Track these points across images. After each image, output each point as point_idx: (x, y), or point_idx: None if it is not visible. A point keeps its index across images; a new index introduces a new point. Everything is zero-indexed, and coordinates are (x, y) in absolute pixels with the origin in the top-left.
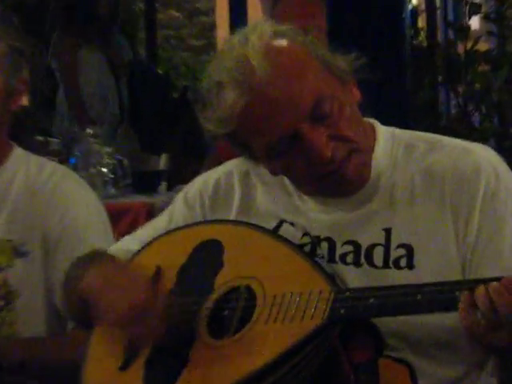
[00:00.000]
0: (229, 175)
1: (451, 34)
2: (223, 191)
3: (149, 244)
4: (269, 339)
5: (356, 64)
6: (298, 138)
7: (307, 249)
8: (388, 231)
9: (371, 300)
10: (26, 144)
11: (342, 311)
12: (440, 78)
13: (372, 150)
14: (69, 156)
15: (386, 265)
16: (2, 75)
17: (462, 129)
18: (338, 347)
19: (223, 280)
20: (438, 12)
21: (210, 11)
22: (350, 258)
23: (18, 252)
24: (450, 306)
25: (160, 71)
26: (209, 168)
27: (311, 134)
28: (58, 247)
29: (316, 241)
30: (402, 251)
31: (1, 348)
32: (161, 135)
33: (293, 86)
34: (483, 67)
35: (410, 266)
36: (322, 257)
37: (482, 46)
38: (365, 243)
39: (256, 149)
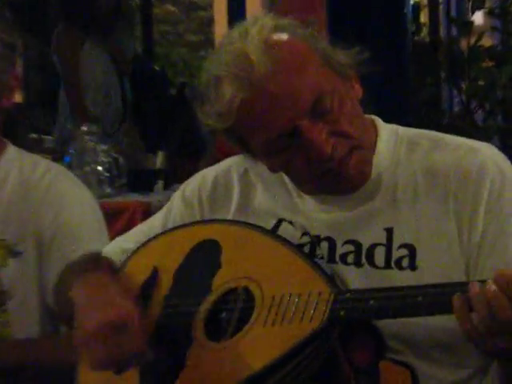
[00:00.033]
0: (227, 173)
1: (454, 29)
2: (222, 189)
3: (145, 244)
4: (267, 341)
5: (357, 59)
6: (298, 135)
7: (307, 249)
8: (390, 231)
9: (371, 302)
10: (19, 142)
11: (342, 313)
12: (443, 75)
13: (373, 147)
14: (63, 154)
15: (387, 265)
16: None
17: (465, 126)
18: (338, 349)
19: (221, 281)
20: (441, 7)
21: (208, 6)
22: (350, 258)
23: (12, 252)
24: (452, 308)
25: (157, 67)
26: (207, 166)
27: (311, 131)
28: (51, 247)
29: (316, 240)
30: (404, 251)
31: None
32: (158, 133)
33: (293, 81)
34: (487, 63)
35: (413, 266)
36: (322, 257)
37: (486, 42)
38: (366, 243)
39: (255, 145)
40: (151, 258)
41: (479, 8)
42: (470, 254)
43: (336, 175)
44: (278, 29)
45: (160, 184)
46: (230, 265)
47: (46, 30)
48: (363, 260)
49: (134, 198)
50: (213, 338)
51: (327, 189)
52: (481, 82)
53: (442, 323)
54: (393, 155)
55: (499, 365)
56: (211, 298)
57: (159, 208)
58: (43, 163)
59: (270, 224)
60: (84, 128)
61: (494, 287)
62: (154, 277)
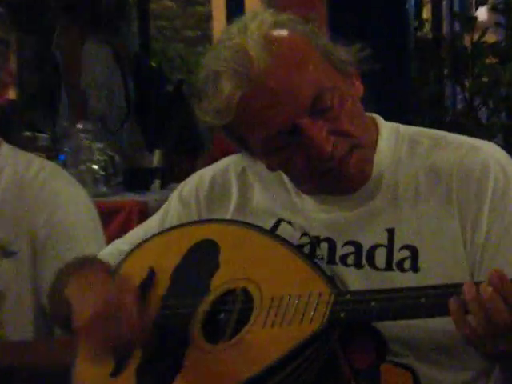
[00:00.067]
0: (225, 172)
1: (457, 25)
2: (219, 188)
3: (141, 244)
4: (266, 344)
5: (358, 56)
6: (297, 133)
7: (306, 249)
8: (391, 231)
9: (372, 303)
10: (13, 139)
11: (342, 314)
12: (446, 72)
13: (374, 145)
14: (58, 152)
15: (388, 267)
16: None
17: (468, 124)
18: (338, 352)
19: (219, 282)
20: (444, 2)
21: (206, 1)
22: (350, 260)
23: (6, 252)
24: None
25: (153, 64)
26: (205, 165)
27: (311, 129)
28: (46, 247)
29: (315, 241)
30: (406, 253)
31: None
32: (155, 131)
33: (293, 77)
34: (491, 60)
35: (415, 268)
36: (322, 258)
37: (490, 38)
38: (366, 244)
39: (253, 142)
40: (147, 258)
41: (483, 3)
42: (475, 254)
43: (336, 175)
44: (277, 24)
45: (157, 183)
46: (229, 265)
47: (42, 28)
48: (363, 261)
49: (131, 197)
50: (211, 339)
51: (327, 188)
52: (484, 79)
53: (444, 325)
54: (394, 154)
55: (500, 369)
56: (209, 298)
57: (156, 207)
58: (37, 161)
59: (269, 224)
60: (79, 126)
61: (488, 289)
62: (150, 277)
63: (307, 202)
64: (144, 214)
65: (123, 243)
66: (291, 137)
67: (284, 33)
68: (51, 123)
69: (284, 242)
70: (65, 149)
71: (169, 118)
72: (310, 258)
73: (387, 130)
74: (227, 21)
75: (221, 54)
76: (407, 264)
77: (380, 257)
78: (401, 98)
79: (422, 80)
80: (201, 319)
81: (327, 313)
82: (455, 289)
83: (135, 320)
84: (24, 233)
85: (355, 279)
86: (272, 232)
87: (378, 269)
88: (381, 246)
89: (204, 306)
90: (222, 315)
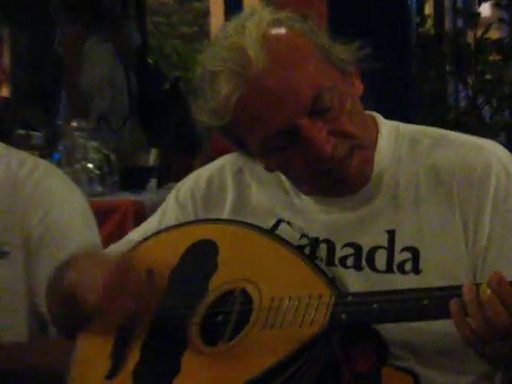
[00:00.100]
0: (221, 172)
1: (460, 21)
2: (216, 188)
3: (138, 245)
4: (266, 346)
5: (358, 54)
6: (297, 134)
7: (306, 251)
8: (391, 233)
9: (374, 305)
10: (6, 138)
11: (343, 316)
12: (448, 69)
13: (374, 145)
14: (52, 151)
15: (389, 269)
16: None
17: (471, 122)
18: (339, 354)
19: (217, 283)
20: None
21: None
22: (350, 262)
23: None
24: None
25: (150, 60)
26: (202, 164)
27: (311, 129)
28: (40, 247)
29: (314, 243)
30: (407, 255)
31: None
32: (151, 128)
33: (292, 76)
34: (494, 57)
35: (416, 270)
36: (321, 260)
37: (493, 35)
38: (366, 246)
39: (252, 143)
40: (145, 259)
41: None
42: (477, 256)
43: (336, 176)
44: (275, 23)
45: (153, 182)
46: (227, 266)
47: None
48: (363, 263)
49: (126, 196)
50: (209, 342)
51: (326, 189)
52: (488, 76)
53: (445, 328)
54: (394, 153)
55: (501, 372)
56: (207, 300)
57: (152, 207)
58: (31, 160)
59: (268, 224)
60: (74, 124)
61: (487, 291)
62: (148, 278)
63: (307, 203)
64: (140, 213)
65: (121, 247)
66: (290, 137)
67: (283, 31)
68: (45, 121)
69: (284, 242)
70: (59, 147)
71: (165, 116)
72: (311, 258)
73: (387, 128)
74: (225, 17)
75: (217, 53)
76: (408, 266)
77: (380, 259)
78: (402, 95)
79: (424, 77)
80: (199, 321)
81: (328, 314)
82: (456, 290)
83: (143, 290)
84: (17, 232)
85: (355, 281)
86: (272, 232)
87: (378, 271)
88: (381, 247)
89: (202, 308)
90: (221, 317)
